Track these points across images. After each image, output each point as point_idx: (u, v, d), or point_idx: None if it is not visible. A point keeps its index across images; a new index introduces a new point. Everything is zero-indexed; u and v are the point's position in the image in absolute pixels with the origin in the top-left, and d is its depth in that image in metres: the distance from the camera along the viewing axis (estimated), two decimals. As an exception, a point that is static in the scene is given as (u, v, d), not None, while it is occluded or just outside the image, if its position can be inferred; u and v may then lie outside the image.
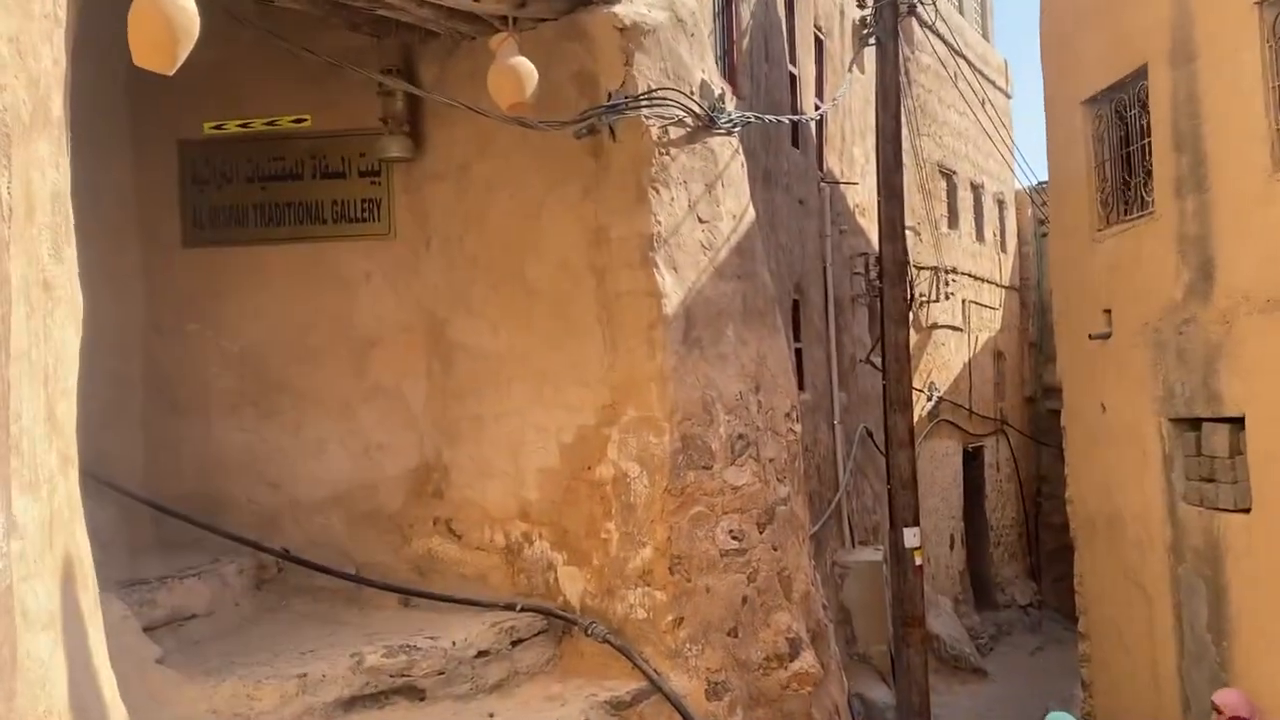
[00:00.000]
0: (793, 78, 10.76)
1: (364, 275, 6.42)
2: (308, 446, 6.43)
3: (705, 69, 5.62)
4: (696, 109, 5.38)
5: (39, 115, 3.18)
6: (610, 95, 5.19)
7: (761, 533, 5.32)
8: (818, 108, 12.18)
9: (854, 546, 11.57)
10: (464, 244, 6.05)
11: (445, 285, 6.18)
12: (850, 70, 10.24)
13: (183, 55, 3.74)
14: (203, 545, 6.01)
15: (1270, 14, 6.90)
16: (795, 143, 11.19)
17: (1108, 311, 9.12)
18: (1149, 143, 8.38)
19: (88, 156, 5.82)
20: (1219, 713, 6.05)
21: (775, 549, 5.37)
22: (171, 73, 3.74)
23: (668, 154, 5.30)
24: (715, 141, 5.55)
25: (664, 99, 5.22)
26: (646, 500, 5.21)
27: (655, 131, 5.26)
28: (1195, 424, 7.82)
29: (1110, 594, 9.41)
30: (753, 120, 6.05)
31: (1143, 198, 8.67)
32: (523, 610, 5.51)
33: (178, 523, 5.95)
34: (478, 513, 6.04)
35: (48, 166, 3.26)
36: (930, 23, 13.18)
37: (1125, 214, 9.00)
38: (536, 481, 5.73)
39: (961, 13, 18.61)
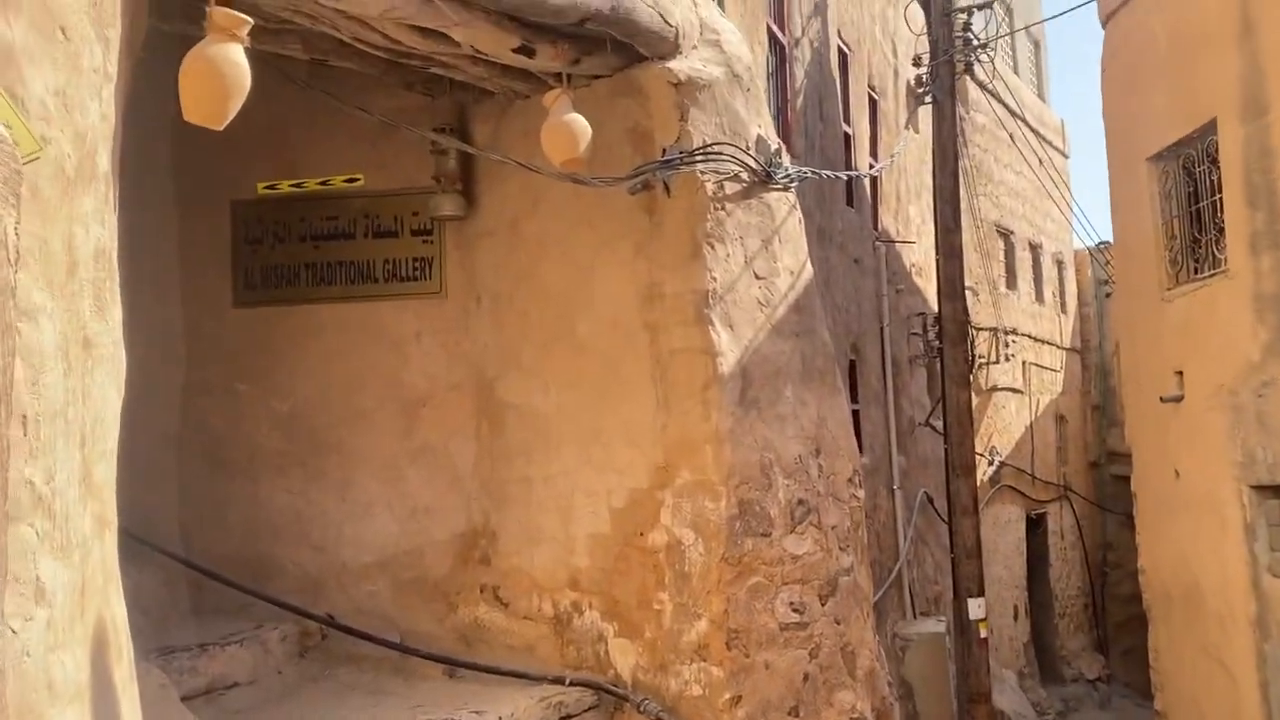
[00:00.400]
0: (847, 137, 10.64)
1: (414, 334, 6.34)
2: (354, 509, 6.30)
3: (761, 124, 5.50)
4: (752, 164, 5.25)
5: (84, 170, 3.12)
6: (665, 151, 5.08)
7: (824, 605, 5.05)
8: (872, 166, 12.05)
9: (915, 617, 11.13)
10: (514, 302, 5.94)
11: (495, 343, 6.07)
12: (906, 128, 10.10)
13: (233, 111, 3.69)
14: (247, 610, 5.89)
15: (1348, 65, 6.66)
16: (850, 201, 11.04)
17: (1179, 373, 8.76)
18: (1220, 199, 8.10)
19: (138, 214, 5.85)
20: None
21: (838, 622, 5.09)
22: (221, 128, 3.69)
23: (723, 209, 5.16)
24: (771, 197, 5.40)
25: (719, 154, 5.10)
26: (702, 569, 4.97)
27: (710, 187, 5.13)
28: (1279, 491, 7.43)
29: (1189, 671, 8.90)
30: (809, 175, 5.91)
31: (1214, 255, 8.37)
32: (572, 684, 5.29)
33: (222, 586, 5.84)
34: (525, 580, 5.84)
35: (92, 222, 3.19)
36: (988, 83, 13.07)
37: (1196, 272, 8.69)
38: (586, 548, 5.52)
39: (1017, 72, 18.48)
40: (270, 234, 6.41)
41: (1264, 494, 7.60)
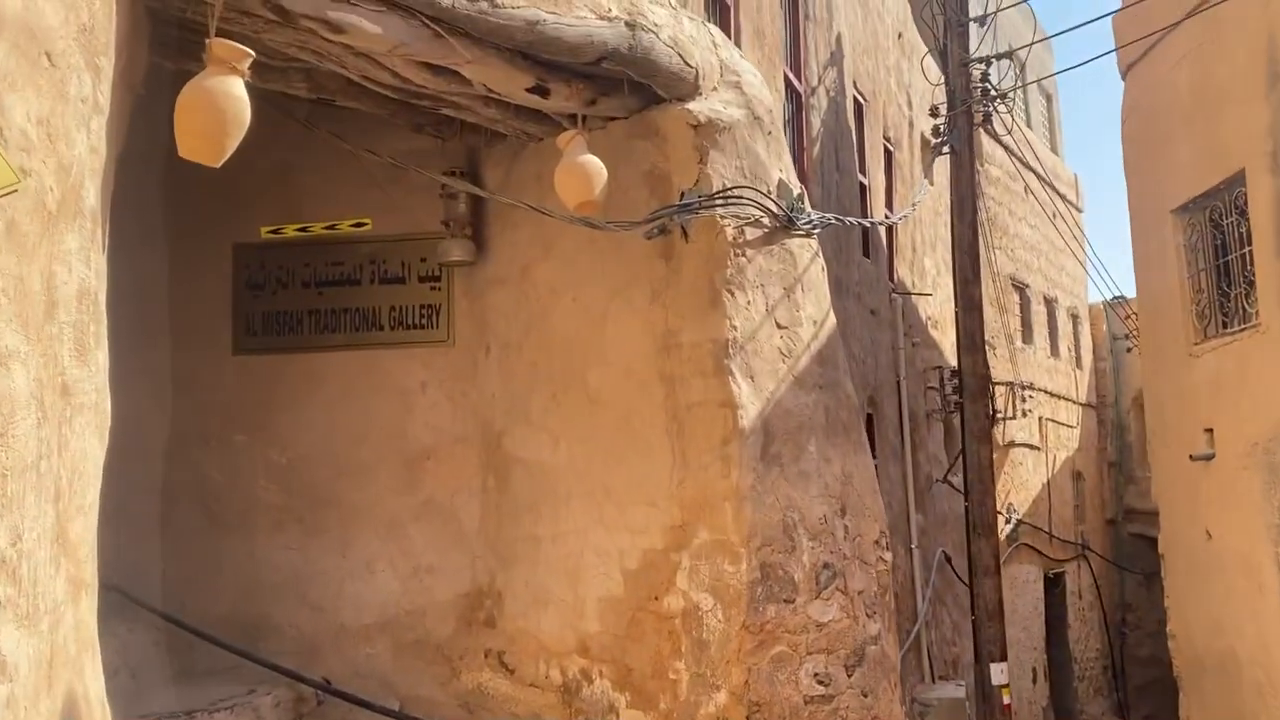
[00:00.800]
0: (863, 187, 10.48)
1: (420, 384, 6.11)
2: (355, 567, 6.03)
3: (782, 168, 5.31)
4: (774, 208, 5.04)
5: (68, 205, 2.91)
6: (683, 194, 4.87)
7: (850, 676, 4.74)
8: (888, 217, 11.88)
9: (934, 681, 10.72)
10: (524, 351, 5.71)
11: (503, 394, 5.83)
12: (925, 177, 9.93)
13: (231, 148, 3.49)
14: (239, 673, 5.62)
15: (1384, 115, 6.46)
16: (866, 252, 10.85)
17: (1209, 430, 8.48)
18: (1250, 251, 7.88)
19: (134, 256, 5.65)
20: None
21: (865, 695, 4.78)
22: (218, 165, 3.49)
23: (744, 255, 4.94)
24: (794, 243, 5.18)
25: (740, 198, 4.89)
26: (721, 637, 4.67)
27: (730, 232, 4.92)
28: (1320, 555, 7.10)
29: (1226, 744, 8.50)
30: (832, 222, 5.70)
31: (1244, 309, 8.12)
32: (581, 758, 4.97)
33: (214, 647, 5.56)
34: (533, 645, 5.54)
35: (75, 261, 2.97)
36: (1004, 134, 12.96)
37: (1225, 326, 8.44)
38: (597, 611, 5.23)
39: (1030, 126, 18.40)
40: (273, 279, 6.21)
41: (1303, 558, 7.28)
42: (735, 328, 4.90)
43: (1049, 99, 20.45)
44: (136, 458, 5.83)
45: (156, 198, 5.62)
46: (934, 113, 10.28)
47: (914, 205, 8.81)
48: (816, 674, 4.65)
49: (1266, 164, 7.52)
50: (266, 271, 6.21)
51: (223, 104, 3.43)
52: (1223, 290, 8.50)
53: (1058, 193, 19.19)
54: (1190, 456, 8.63)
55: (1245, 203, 7.88)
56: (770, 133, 5.28)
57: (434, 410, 6.07)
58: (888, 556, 5.16)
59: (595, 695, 5.18)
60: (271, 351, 6.17)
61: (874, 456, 9.89)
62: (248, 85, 3.43)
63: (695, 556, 4.86)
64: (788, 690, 4.60)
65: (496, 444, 5.88)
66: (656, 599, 4.95)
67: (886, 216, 11.60)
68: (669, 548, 4.98)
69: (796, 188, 5.26)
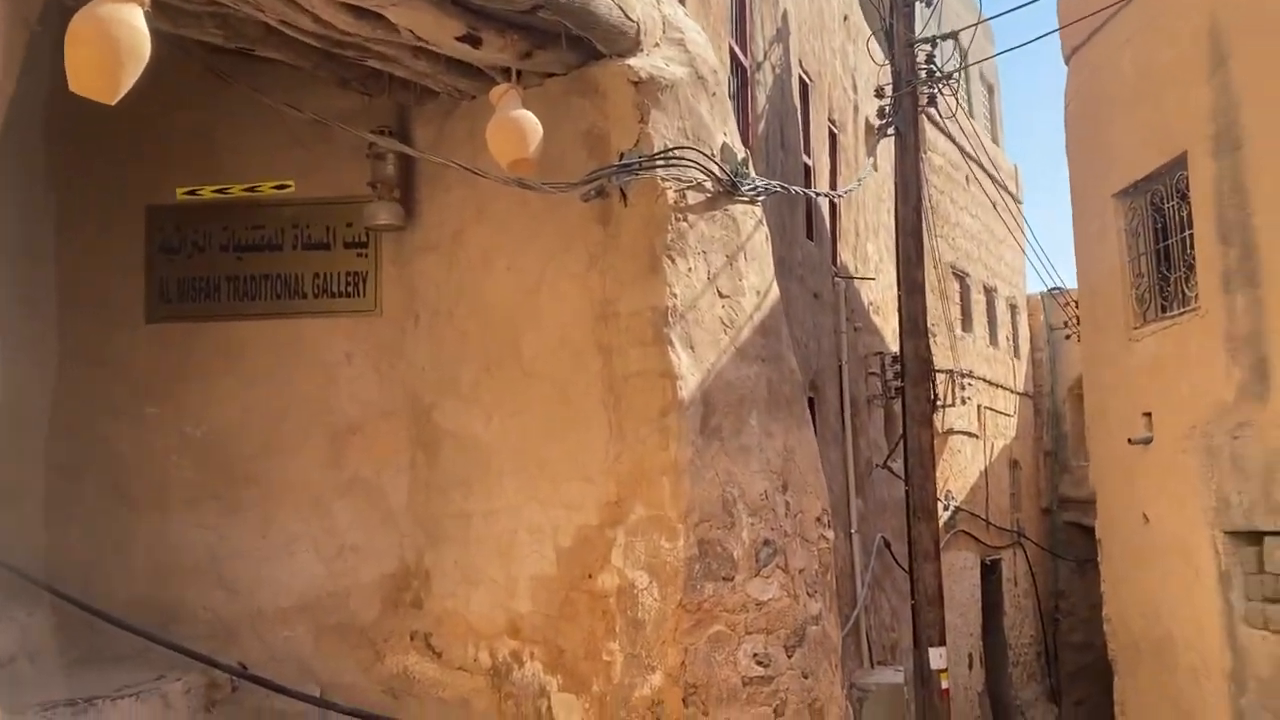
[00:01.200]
0: (807, 168, 10.34)
1: (345, 355, 5.82)
2: (274, 547, 5.73)
3: (727, 131, 5.11)
4: (717, 172, 4.84)
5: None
6: (623, 155, 4.65)
7: (790, 656, 4.57)
8: (832, 204, 11.77)
9: (873, 667, 10.67)
10: (454, 320, 5.46)
11: (433, 366, 5.57)
12: (870, 156, 9.84)
13: (127, 83, 3.18)
14: (149, 658, 5.31)
15: (1325, 97, 6.45)
16: (810, 234, 10.73)
17: (1148, 415, 8.47)
18: (1191, 235, 7.86)
19: (21, 215, 5.28)
20: None
21: (805, 676, 4.61)
22: (114, 101, 3.18)
23: (685, 220, 4.73)
24: (738, 209, 4.99)
25: (682, 159, 4.68)
26: (657, 617, 4.47)
27: (672, 195, 4.71)
28: (1256, 537, 7.09)
29: (1159, 726, 8.53)
30: (778, 189, 5.51)
31: (1184, 293, 8.11)
32: (509, 744, 4.75)
33: (123, 632, 5.23)
34: (461, 626, 5.30)
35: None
36: (948, 117, 12.93)
37: (1165, 311, 8.43)
38: (529, 591, 5.00)
39: (971, 116, 18.46)
40: (189, 243, 5.87)
41: (1239, 540, 7.27)
42: (676, 295, 4.69)
43: (991, 90, 20.58)
44: (45, 434, 5.49)
45: (67, 155, 5.27)
46: (879, 93, 10.18)
47: (860, 180, 8.67)
48: (756, 654, 4.47)
49: (1208, 147, 7.50)
50: (182, 235, 5.87)
51: (117, 33, 3.14)
52: (1163, 274, 8.48)
53: (998, 183, 19.32)
54: (1129, 440, 8.62)
55: (1187, 186, 7.86)
56: (715, 94, 5.08)
57: (360, 382, 5.79)
58: (829, 534, 5.00)
59: (526, 678, 4.96)
60: (187, 319, 5.84)
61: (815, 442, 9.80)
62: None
63: (631, 533, 4.65)
64: (725, 671, 4.42)
65: (426, 417, 5.62)
66: (590, 577, 4.73)
67: (831, 202, 11.51)
68: (604, 524, 4.77)
69: (741, 152, 5.07)
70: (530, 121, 4.26)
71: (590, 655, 4.69)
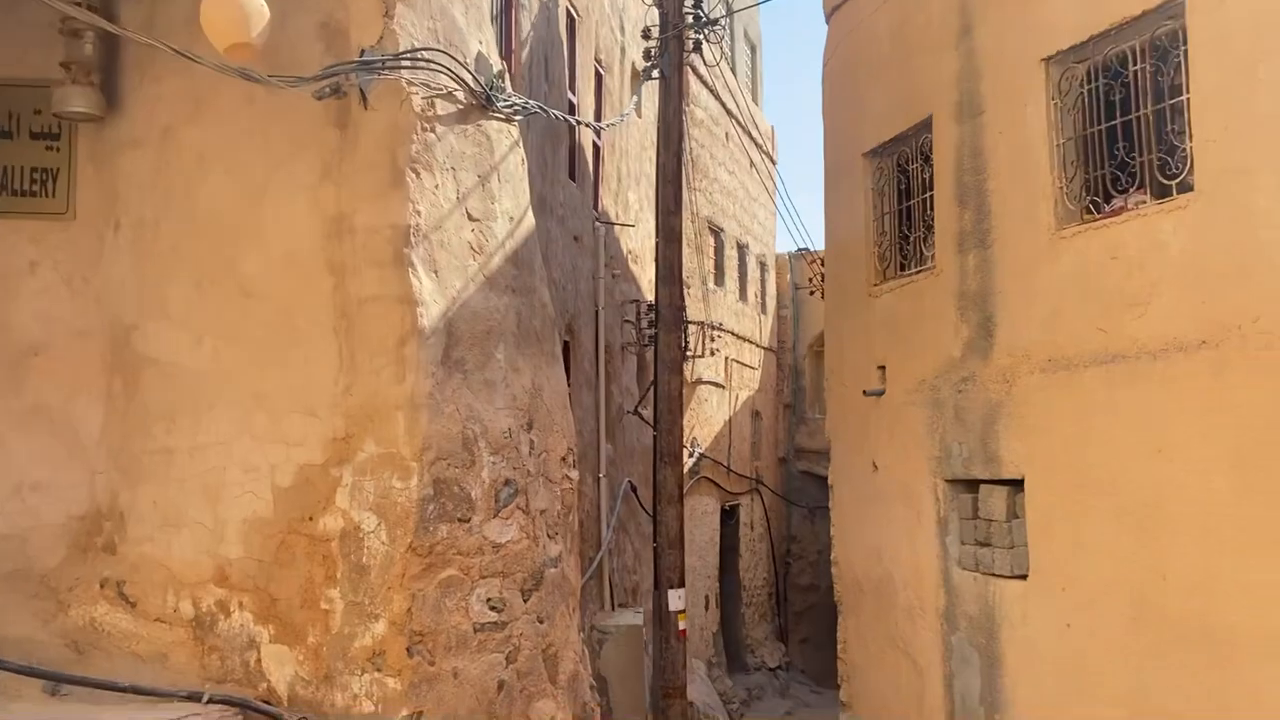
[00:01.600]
0: (572, 105, 10.05)
1: (28, 264, 5.03)
2: (-67, 483, 4.90)
3: (484, 40, 4.71)
4: (470, 82, 4.44)
5: None
6: (364, 51, 4.17)
7: (526, 601, 4.34)
8: (596, 146, 11.56)
9: (614, 609, 10.73)
10: (163, 230, 4.80)
11: (135, 282, 4.89)
12: (634, 95, 9.65)
13: None
14: None
15: (1057, 71, 6.80)
16: (572, 175, 10.47)
17: (882, 368, 8.84)
18: (931, 197, 8.19)
19: None
20: None
21: (541, 621, 4.40)
22: None
23: (433, 131, 4.32)
24: (491, 126, 4.62)
25: (431, 62, 4.26)
26: (384, 561, 4.11)
27: (419, 102, 4.28)
28: (973, 485, 7.55)
29: (876, 663, 9.02)
30: (536, 110, 5.17)
31: (922, 252, 8.47)
32: (211, 702, 4.27)
33: None
34: (160, 574, 4.72)
35: None
36: (713, 65, 12.97)
37: (904, 269, 8.79)
38: (240, 535, 4.50)
39: (735, 73, 18.76)
40: None
41: (958, 488, 7.73)
42: (419, 214, 4.29)
43: (753, 50, 20.99)
44: None
45: None
46: (646, 34, 9.99)
47: (625, 114, 8.45)
48: (489, 599, 4.21)
49: (952, 112, 7.80)
50: None
51: None
52: (904, 234, 8.83)
53: (756, 143, 19.81)
54: (864, 392, 8.98)
55: (930, 149, 8.17)
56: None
57: (46, 296, 5.02)
58: (574, 474, 4.80)
59: (233, 629, 4.47)
60: None
61: (569, 385, 9.64)
62: None
63: (360, 472, 4.25)
64: (456, 618, 4.13)
65: (125, 341, 4.94)
66: (311, 519, 4.30)
67: (595, 145, 11.29)
68: (330, 462, 4.34)
69: (497, 64, 4.69)
70: (253, 2, 3.71)
71: (307, 604, 4.27)
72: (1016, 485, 7.07)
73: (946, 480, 7.84)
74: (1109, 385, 6.22)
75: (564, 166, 9.95)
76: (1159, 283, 5.90)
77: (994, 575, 7.21)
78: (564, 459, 4.76)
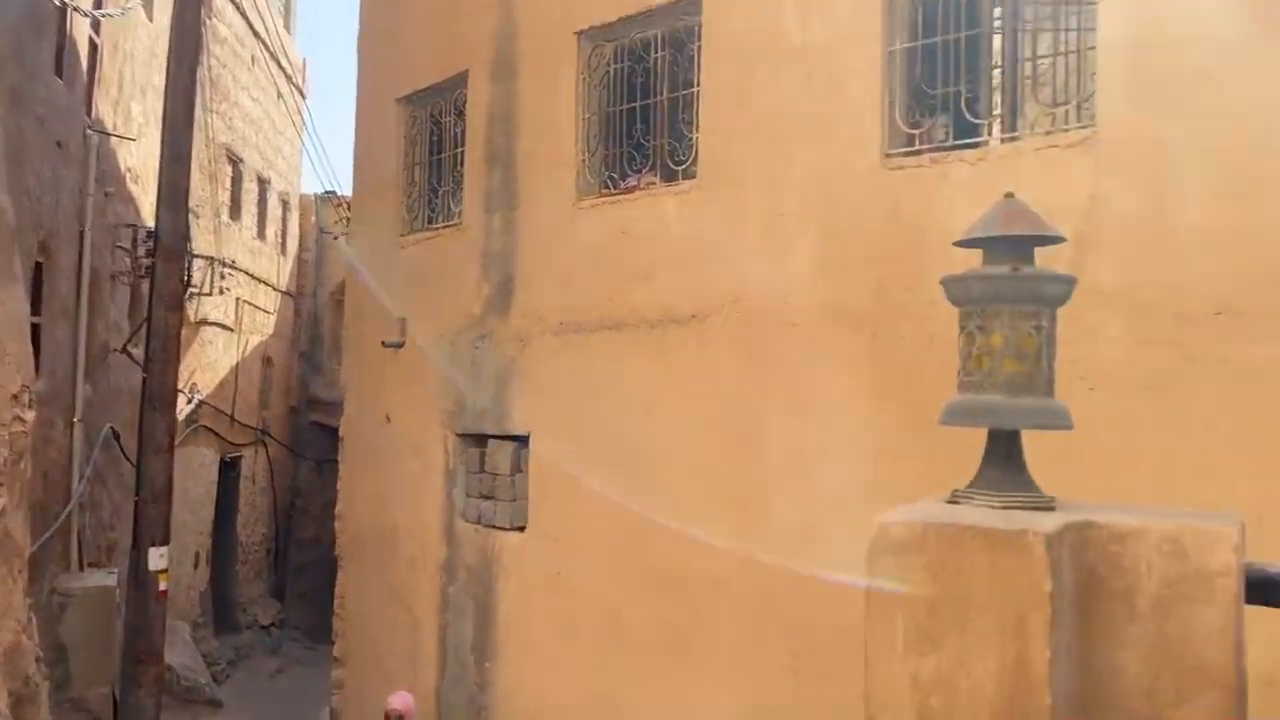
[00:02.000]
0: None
1: None
2: None
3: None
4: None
5: None
6: None
7: (-46, 563, 3.62)
8: (94, 43, 10.09)
9: (83, 569, 9.57)
10: None
11: None
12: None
13: None
14: None
15: (588, 46, 7.08)
16: (59, 72, 9.05)
17: (403, 320, 8.72)
18: (462, 152, 8.19)
19: None
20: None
21: (-25, 586, 3.70)
22: None
23: None
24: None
25: None
26: None
27: None
28: (482, 440, 7.71)
29: (376, 617, 8.93)
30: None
31: (450, 207, 8.45)
32: None
33: None
34: None
35: None
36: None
37: (432, 222, 8.71)
38: None
39: (268, -5, 17.41)
40: None
41: (468, 442, 7.84)
42: None
43: (292, -26, 19.68)
44: None
45: None
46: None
47: (127, 8, 7.41)
48: (-99, 562, 3.45)
49: (489, 70, 7.82)
50: None
51: None
52: (434, 186, 8.74)
53: (286, 73, 18.60)
54: (382, 343, 8.78)
55: (465, 105, 8.14)
56: None
57: None
58: (29, 416, 4.09)
59: None
60: None
61: (39, 315, 8.35)
62: None
63: None
64: None
65: None
66: None
67: (91, 41, 9.86)
68: None
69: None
70: None
71: None
72: (523, 441, 7.33)
73: (458, 434, 7.93)
74: (613, 351, 6.64)
75: (50, 61, 8.62)
76: (662, 259, 6.39)
77: (495, 528, 7.43)
78: (16, 397, 4.04)
